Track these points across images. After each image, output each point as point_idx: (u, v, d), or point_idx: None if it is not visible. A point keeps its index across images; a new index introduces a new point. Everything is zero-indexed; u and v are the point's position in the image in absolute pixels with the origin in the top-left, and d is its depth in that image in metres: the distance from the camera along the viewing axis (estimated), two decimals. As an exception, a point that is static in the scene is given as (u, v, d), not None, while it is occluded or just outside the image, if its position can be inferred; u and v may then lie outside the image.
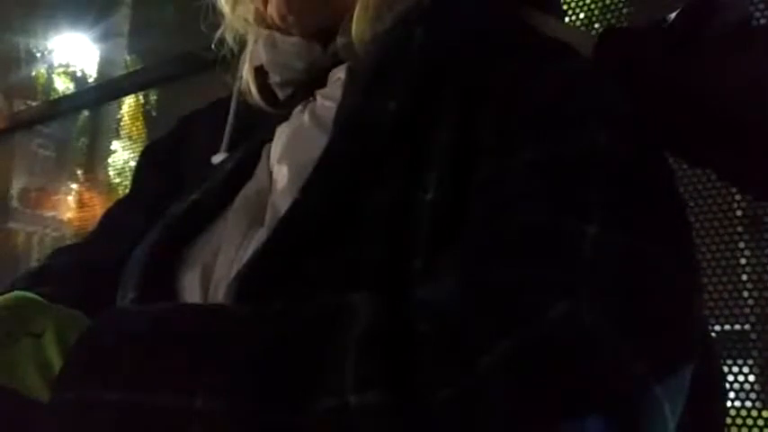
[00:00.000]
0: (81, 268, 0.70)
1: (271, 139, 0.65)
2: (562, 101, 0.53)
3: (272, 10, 0.66)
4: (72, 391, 0.43)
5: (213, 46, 0.74)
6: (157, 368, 0.43)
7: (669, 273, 0.47)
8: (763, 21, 0.97)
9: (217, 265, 0.56)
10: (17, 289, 0.55)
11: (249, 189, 0.62)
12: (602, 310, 0.42)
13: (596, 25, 1.16)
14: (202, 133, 0.74)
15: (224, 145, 0.69)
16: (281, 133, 0.65)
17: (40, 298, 0.50)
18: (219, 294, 0.54)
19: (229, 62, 0.74)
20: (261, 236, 0.55)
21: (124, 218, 0.75)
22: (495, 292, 0.44)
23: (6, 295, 0.49)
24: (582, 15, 1.18)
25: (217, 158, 0.68)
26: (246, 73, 0.71)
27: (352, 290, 0.47)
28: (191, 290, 0.56)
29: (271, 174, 0.62)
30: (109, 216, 0.78)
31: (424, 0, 0.62)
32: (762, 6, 0.99)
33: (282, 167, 0.60)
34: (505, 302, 0.43)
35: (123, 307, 0.58)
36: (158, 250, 0.60)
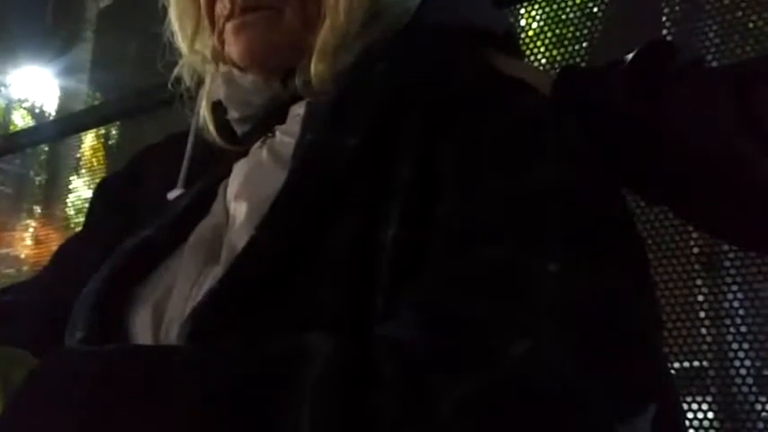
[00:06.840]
0: (30, 306, 0.68)
1: (228, 176, 0.64)
2: (522, 136, 0.53)
3: (229, 50, 0.65)
4: None
5: (170, 85, 0.73)
6: (105, 414, 0.41)
7: (629, 310, 0.47)
8: (715, 64, 1.00)
9: (170, 304, 0.55)
10: None
11: (205, 225, 0.61)
12: (563, 350, 0.42)
13: (555, 65, 1.18)
14: (158, 168, 0.73)
15: (180, 181, 0.68)
16: (239, 169, 0.64)
17: None
18: (172, 334, 0.52)
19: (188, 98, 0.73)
20: (216, 273, 0.54)
21: (77, 254, 0.73)
22: (456, 330, 0.43)
23: None
24: (540, 57, 1.20)
25: (173, 194, 0.67)
26: (204, 109, 0.70)
27: (309, 330, 0.46)
28: (142, 329, 0.55)
29: (227, 210, 0.61)
30: (61, 252, 0.76)
31: (384, 39, 0.62)
32: (713, 50, 1.02)
33: (240, 204, 0.59)
34: (467, 342, 0.42)
35: (71, 348, 0.56)
36: (108, 287, 0.58)
